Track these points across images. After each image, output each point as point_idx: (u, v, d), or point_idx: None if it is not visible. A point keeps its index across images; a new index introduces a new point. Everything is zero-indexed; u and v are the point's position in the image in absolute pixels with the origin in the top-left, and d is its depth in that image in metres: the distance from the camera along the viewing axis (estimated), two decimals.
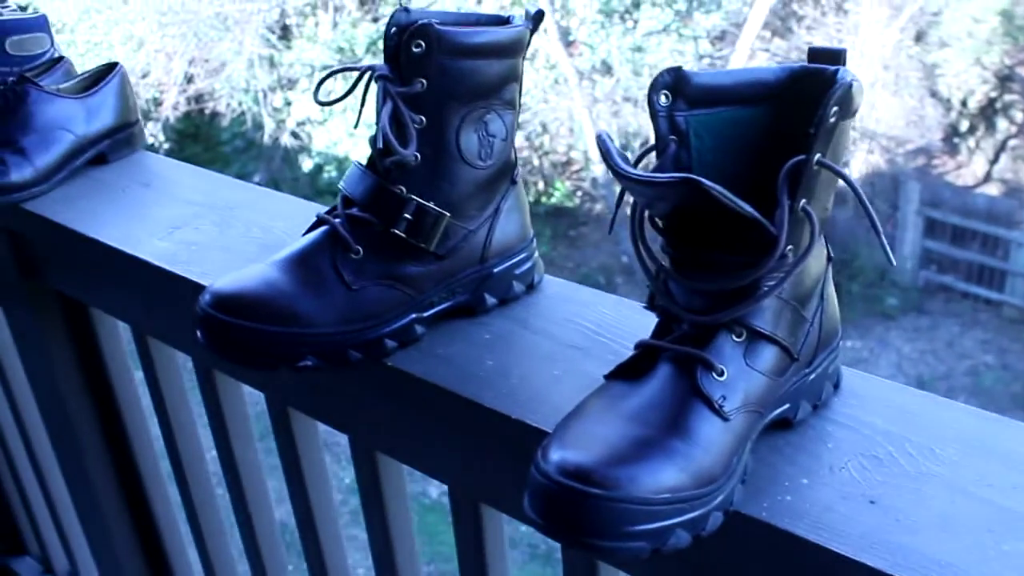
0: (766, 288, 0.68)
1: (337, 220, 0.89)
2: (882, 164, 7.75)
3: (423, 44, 0.85)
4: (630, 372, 0.71)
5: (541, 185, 7.80)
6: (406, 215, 0.87)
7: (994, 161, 7.63)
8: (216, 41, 8.21)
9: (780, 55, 7.78)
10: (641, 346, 0.72)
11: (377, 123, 0.87)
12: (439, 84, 0.86)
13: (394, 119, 0.87)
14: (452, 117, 0.88)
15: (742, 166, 0.72)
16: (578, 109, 7.53)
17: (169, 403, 1.29)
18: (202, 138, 8.80)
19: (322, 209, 0.93)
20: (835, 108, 0.67)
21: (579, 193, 7.83)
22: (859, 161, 7.76)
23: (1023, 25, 7.64)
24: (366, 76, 0.89)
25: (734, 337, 0.69)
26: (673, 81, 0.70)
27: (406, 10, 0.87)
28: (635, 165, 0.70)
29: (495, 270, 0.94)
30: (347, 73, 0.91)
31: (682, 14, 7.80)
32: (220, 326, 0.85)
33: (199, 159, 8.31)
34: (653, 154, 0.72)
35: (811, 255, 0.70)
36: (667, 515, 0.62)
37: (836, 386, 0.80)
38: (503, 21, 0.91)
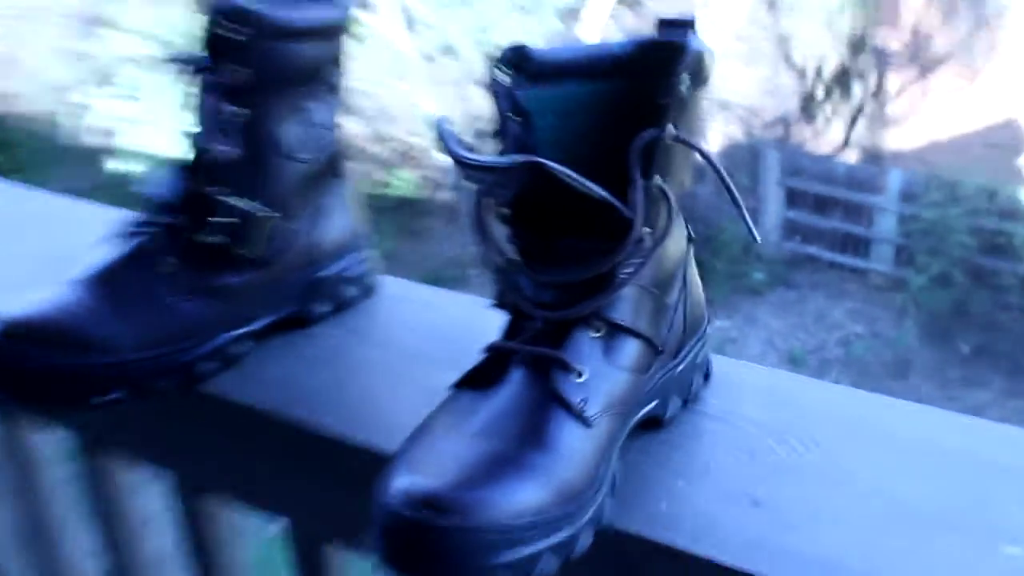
0: (623, 276, 0.66)
1: (144, 228, 0.83)
2: (740, 135, 7.97)
3: (242, 28, 0.80)
4: (480, 379, 0.67)
5: (382, 176, 7.72)
6: (223, 219, 0.82)
7: (851, 127, 7.93)
8: (13, 34, 7.86)
9: (632, 31, 7.90)
10: (490, 349, 0.68)
11: (194, 118, 0.82)
12: (260, 72, 0.82)
13: (211, 112, 0.82)
14: (274, 107, 0.84)
15: (591, 145, 0.70)
16: (421, 93, 7.49)
17: None
18: None
19: (127, 217, 0.86)
20: (687, 76, 0.65)
21: (424, 182, 7.80)
22: (716, 133, 7.95)
23: None
24: (183, 67, 0.84)
25: (592, 333, 0.66)
26: (513, 57, 0.69)
27: None
28: (476, 150, 0.67)
29: (325, 274, 0.90)
30: (161, 65, 0.86)
31: None
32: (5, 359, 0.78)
33: None
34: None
35: (670, 236, 0.68)
36: (531, 540, 0.59)
37: (706, 376, 0.78)
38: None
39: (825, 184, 7.56)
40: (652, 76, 0.67)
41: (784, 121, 8.11)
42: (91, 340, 0.78)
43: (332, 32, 0.86)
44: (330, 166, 0.90)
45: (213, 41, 0.81)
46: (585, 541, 0.62)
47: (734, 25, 7.59)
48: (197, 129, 0.82)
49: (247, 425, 0.82)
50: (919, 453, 0.70)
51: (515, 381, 0.66)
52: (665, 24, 0.69)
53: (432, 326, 0.88)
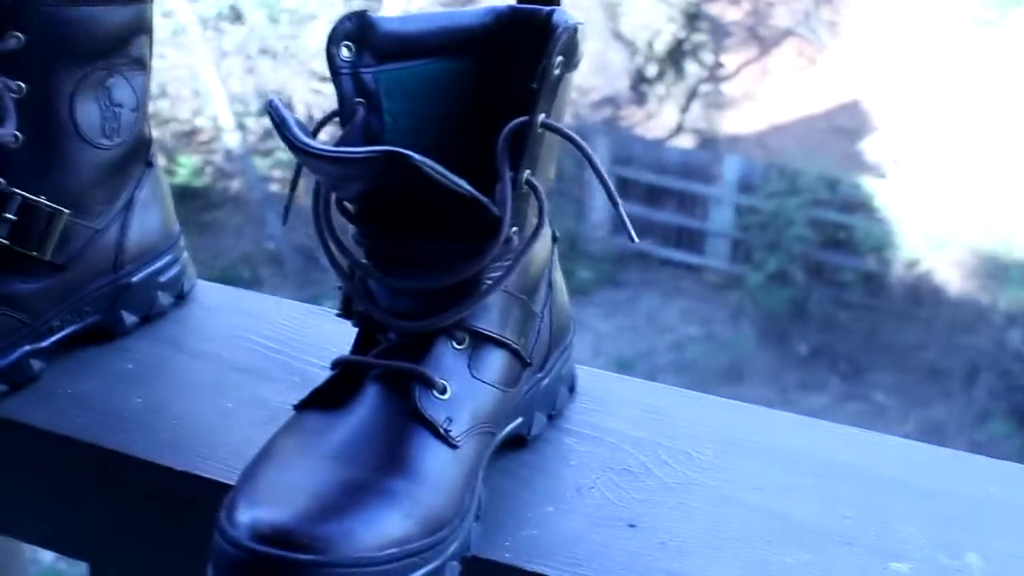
0: (489, 281, 0.67)
1: None
2: (565, 117, 8.10)
3: None
4: (328, 399, 0.68)
5: (162, 161, 7.52)
6: (7, 215, 0.80)
7: (685, 109, 8.18)
8: None
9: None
10: (339, 364, 0.69)
11: None
12: (42, 38, 0.80)
13: None
14: (63, 82, 0.82)
15: (446, 132, 0.72)
16: (203, 66, 7.33)
17: None
18: None
19: None
20: (560, 58, 0.67)
21: (210, 169, 7.65)
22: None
23: None
24: None
25: (455, 344, 0.68)
26: (357, 29, 0.69)
27: None
28: (314, 136, 0.67)
29: (133, 279, 0.88)
30: None
31: None
32: None
33: None
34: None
35: (539, 237, 0.70)
36: (396, 574, 0.60)
37: (571, 390, 0.80)
38: None
39: (657, 173, 7.77)
40: (513, 54, 0.69)
41: (613, 102, 8.29)
42: None
43: None
44: (136, 153, 0.89)
45: None
46: (452, 573, 0.63)
47: None
48: None
49: (44, 452, 0.80)
50: (803, 468, 0.74)
51: (370, 399, 0.66)
52: None
53: (259, 337, 0.87)
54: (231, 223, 7.35)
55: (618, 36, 8.16)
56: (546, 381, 0.76)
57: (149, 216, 0.89)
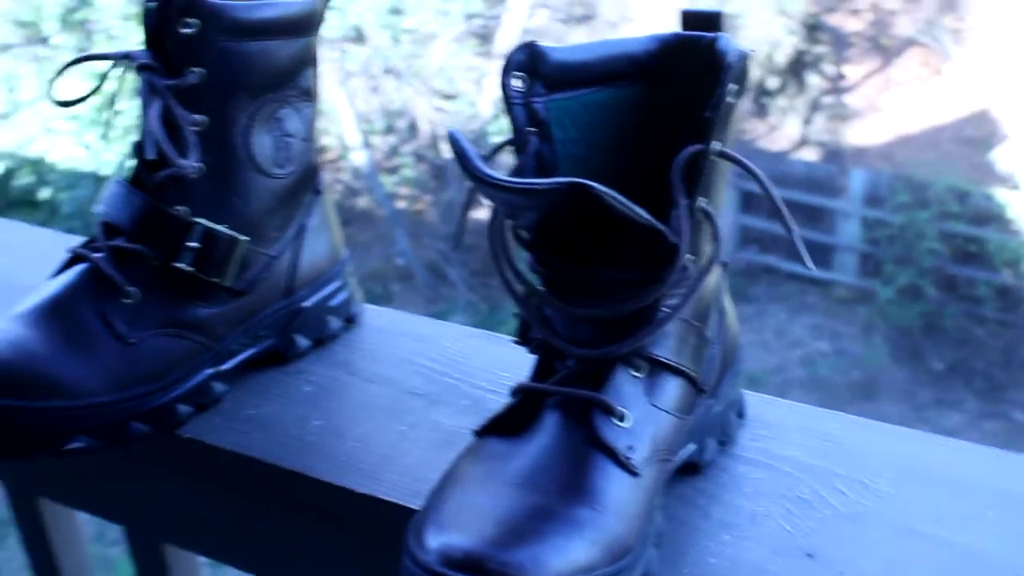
0: (667, 309, 0.67)
1: (99, 255, 0.83)
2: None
3: (195, 22, 0.81)
4: (508, 425, 0.68)
5: None
6: (191, 243, 0.82)
7: (808, 122, 8.06)
8: None
9: (562, 11, 7.94)
10: (520, 391, 0.69)
11: (143, 127, 0.82)
12: (220, 73, 0.82)
13: (165, 121, 0.82)
14: (239, 114, 0.84)
15: (612, 159, 0.72)
16: (329, 85, 7.45)
17: None
18: None
19: (76, 241, 0.86)
20: (734, 86, 0.67)
21: (339, 187, 7.76)
22: None
23: None
24: (119, 67, 0.83)
25: (633, 372, 0.68)
26: (528, 59, 0.70)
27: None
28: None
29: (305, 304, 0.90)
30: (94, 63, 0.86)
31: None
32: None
33: None
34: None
35: (715, 264, 0.70)
36: None
37: (740, 415, 0.80)
38: None
39: (781, 186, 7.67)
40: (678, 81, 0.69)
41: None
42: (53, 382, 0.77)
43: (301, 28, 0.86)
44: (306, 181, 0.90)
45: (158, 35, 0.81)
46: None
47: (679, 4, 7.65)
48: (150, 139, 0.81)
49: (227, 473, 0.82)
50: (983, 499, 0.72)
51: (550, 427, 0.67)
52: (689, 18, 0.71)
53: (427, 361, 0.88)
54: (360, 239, 7.44)
55: None
56: (718, 407, 0.76)
57: (319, 242, 0.91)
